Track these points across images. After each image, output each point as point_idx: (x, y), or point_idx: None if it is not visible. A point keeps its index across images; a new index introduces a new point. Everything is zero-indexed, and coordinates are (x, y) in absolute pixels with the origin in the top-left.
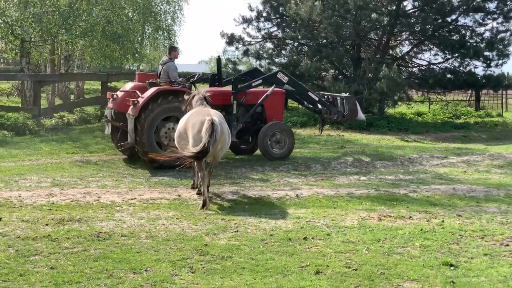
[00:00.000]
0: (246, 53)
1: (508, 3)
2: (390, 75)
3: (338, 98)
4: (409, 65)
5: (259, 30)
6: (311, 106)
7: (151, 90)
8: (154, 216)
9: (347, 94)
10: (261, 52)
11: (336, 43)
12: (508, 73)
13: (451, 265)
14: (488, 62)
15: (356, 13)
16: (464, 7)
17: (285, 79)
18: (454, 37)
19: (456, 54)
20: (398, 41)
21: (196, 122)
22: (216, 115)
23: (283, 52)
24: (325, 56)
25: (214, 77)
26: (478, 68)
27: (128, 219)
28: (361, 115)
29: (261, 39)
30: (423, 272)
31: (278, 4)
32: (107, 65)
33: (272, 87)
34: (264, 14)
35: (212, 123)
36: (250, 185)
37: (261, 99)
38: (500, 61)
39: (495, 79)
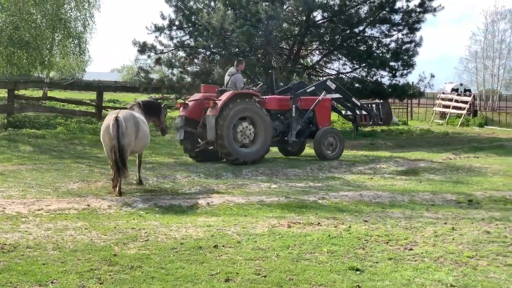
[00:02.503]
0: (158, 61)
1: (413, 15)
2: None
3: (374, 104)
4: (319, 74)
5: (171, 38)
6: (349, 113)
7: (228, 93)
8: (62, 227)
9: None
10: (173, 60)
11: (248, 52)
12: (412, 82)
13: (357, 269)
14: (393, 72)
15: (268, 22)
16: (371, 18)
17: (333, 86)
18: (362, 48)
19: (364, 64)
20: (308, 51)
21: (106, 120)
22: (126, 113)
23: (196, 60)
24: None
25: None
26: (385, 77)
27: (34, 230)
28: (395, 119)
29: (173, 48)
30: (330, 277)
31: (190, 13)
32: (14, 72)
33: (323, 93)
34: (177, 23)
35: (116, 119)
36: (162, 193)
37: (314, 104)
38: (405, 71)
39: (400, 88)
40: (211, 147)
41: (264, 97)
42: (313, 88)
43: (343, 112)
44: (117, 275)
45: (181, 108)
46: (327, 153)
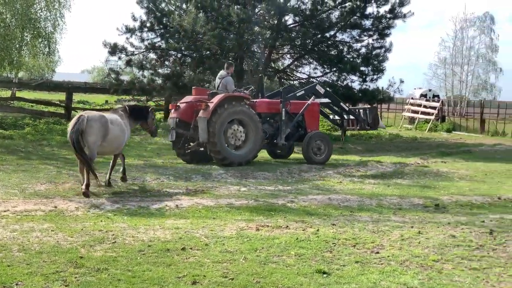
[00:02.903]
0: (129, 63)
1: (383, 21)
2: (271, 87)
3: (362, 109)
4: (290, 78)
5: (142, 40)
6: (337, 118)
7: (219, 96)
8: (28, 228)
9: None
10: (144, 62)
11: (219, 55)
12: (382, 87)
13: (324, 272)
14: (364, 77)
15: (239, 26)
16: (342, 23)
17: (322, 90)
18: (333, 52)
19: (335, 69)
20: (280, 54)
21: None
22: (94, 114)
23: (167, 63)
24: (208, 67)
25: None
26: (355, 82)
27: None
28: (381, 124)
29: (144, 50)
30: (297, 280)
31: (161, 15)
32: None
33: (312, 97)
34: (148, 25)
35: (79, 117)
36: (130, 195)
37: (303, 108)
38: (375, 76)
39: (370, 93)
40: (202, 149)
41: (255, 100)
42: (303, 92)
43: (331, 116)
44: (83, 278)
45: (173, 110)
46: (315, 157)
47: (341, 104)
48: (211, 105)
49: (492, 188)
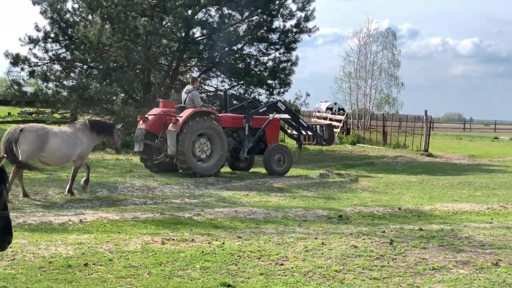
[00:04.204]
0: (32, 74)
1: (289, 35)
2: (179, 99)
3: (319, 126)
4: (198, 90)
5: (46, 51)
6: (295, 132)
7: (189, 111)
8: None
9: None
10: (48, 74)
11: (126, 67)
12: (289, 100)
13: (229, 285)
14: (271, 90)
15: (146, 38)
16: (249, 37)
17: (283, 107)
18: (240, 65)
19: (242, 82)
20: (187, 67)
21: None
22: (32, 125)
23: (72, 74)
24: (115, 79)
25: (221, 105)
26: (262, 95)
27: None
28: (336, 140)
29: (48, 61)
30: None
31: (66, 26)
32: None
33: (273, 114)
34: (52, 35)
35: (15, 128)
36: (32, 210)
37: (265, 123)
38: (282, 89)
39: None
40: (168, 159)
41: (220, 115)
42: (265, 108)
43: (289, 131)
44: None
45: (141, 122)
46: (276, 168)
47: (300, 120)
48: (181, 119)
49: (393, 199)
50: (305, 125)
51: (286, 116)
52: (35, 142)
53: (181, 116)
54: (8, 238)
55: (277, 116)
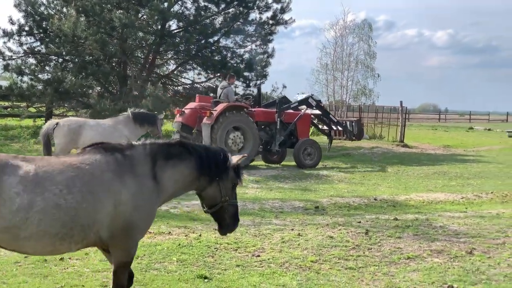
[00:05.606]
0: (6, 68)
1: (266, 27)
2: (155, 93)
3: (348, 121)
4: (175, 83)
5: (21, 44)
6: (326, 128)
7: (223, 105)
8: None
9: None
10: (23, 67)
11: (102, 60)
12: (266, 92)
13: (205, 277)
14: (247, 82)
15: (122, 31)
16: (226, 29)
17: (314, 103)
18: (216, 58)
19: (218, 74)
20: (164, 60)
21: None
22: (68, 119)
23: (47, 68)
24: (90, 73)
25: (255, 101)
26: (239, 88)
27: None
28: (365, 135)
29: (23, 54)
30: (178, 286)
31: (41, 19)
32: None
33: (304, 109)
34: (26, 28)
35: (51, 123)
36: None
37: (296, 118)
38: (259, 81)
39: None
40: None
41: (253, 109)
42: (297, 103)
43: (320, 126)
44: None
45: (178, 115)
46: (306, 162)
47: (330, 116)
48: (215, 113)
49: (368, 189)
50: (336, 120)
51: (317, 111)
52: (67, 135)
53: (216, 110)
54: (237, 223)
55: (309, 111)
